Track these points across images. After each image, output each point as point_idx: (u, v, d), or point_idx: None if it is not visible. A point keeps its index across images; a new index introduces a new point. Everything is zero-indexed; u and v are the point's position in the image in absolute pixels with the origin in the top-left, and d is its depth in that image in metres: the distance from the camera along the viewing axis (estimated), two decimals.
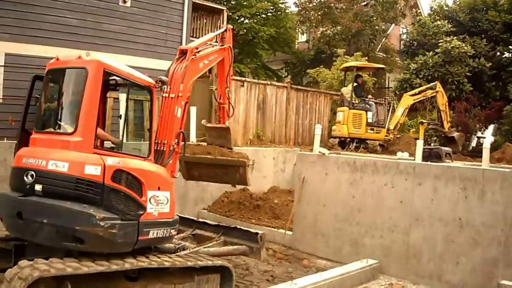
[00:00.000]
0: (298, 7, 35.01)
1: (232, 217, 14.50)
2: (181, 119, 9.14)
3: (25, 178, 7.54)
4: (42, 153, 7.69)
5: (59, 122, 8.17)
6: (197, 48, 9.83)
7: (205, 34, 22.54)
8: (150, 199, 8.05)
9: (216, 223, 11.29)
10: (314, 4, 33.86)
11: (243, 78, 22.39)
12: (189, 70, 9.33)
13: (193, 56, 9.57)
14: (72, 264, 6.98)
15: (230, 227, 10.89)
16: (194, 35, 22.09)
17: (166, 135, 8.78)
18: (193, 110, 16.87)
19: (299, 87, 24.82)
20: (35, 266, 6.74)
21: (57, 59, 8.41)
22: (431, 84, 22.27)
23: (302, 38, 40.47)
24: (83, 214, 7.23)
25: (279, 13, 32.35)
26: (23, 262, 6.92)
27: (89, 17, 17.80)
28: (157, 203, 8.22)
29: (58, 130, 8.08)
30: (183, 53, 9.52)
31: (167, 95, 8.89)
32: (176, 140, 8.98)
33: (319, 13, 33.82)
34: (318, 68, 28.40)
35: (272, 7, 31.49)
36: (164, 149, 8.73)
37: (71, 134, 7.69)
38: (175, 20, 19.77)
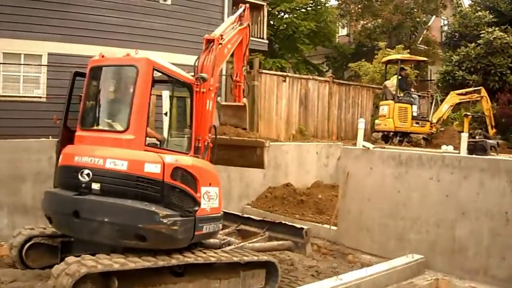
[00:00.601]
0: (338, 1, 34.92)
1: (276, 213, 14.47)
2: (212, 112, 9.13)
3: (79, 176, 7.58)
4: (96, 152, 7.72)
5: (108, 120, 8.31)
6: (221, 36, 9.67)
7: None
8: (203, 195, 8.15)
9: (261, 219, 11.28)
10: None
11: (285, 73, 22.40)
12: (217, 60, 9.30)
13: (220, 45, 9.44)
14: (119, 260, 7.06)
15: (275, 223, 10.84)
16: None
17: (201, 130, 8.75)
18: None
19: (341, 81, 24.81)
20: (82, 262, 6.84)
21: (102, 56, 8.44)
22: (476, 88, 21.97)
23: (343, 31, 40.30)
24: (146, 212, 7.32)
25: (319, 7, 32.15)
26: (70, 258, 7.01)
27: (129, 16, 18.03)
28: (209, 198, 8.30)
29: (107, 128, 8.17)
30: (209, 42, 9.33)
31: (198, 89, 8.78)
32: (209, 134, 8.99)
33: (359, 6, 33.68)
34: (359, 62, 28.28)
35: (312, 1, 31.39)
36: (199, 144, 8.74)
37: (123, 132, 7.78)
38: (215, 16, 19.86)
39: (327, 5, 33.12)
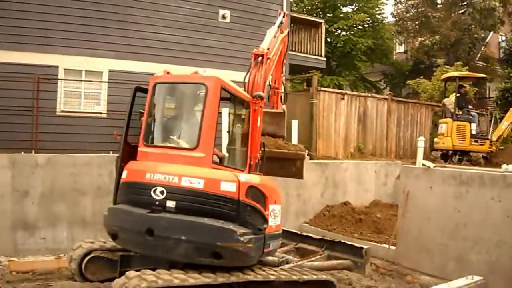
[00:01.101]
0: (395, 18, 34.69)
1: (334, 231, 14.44)
2: (261, 128, 9.13)
3: (152, 194, 7.62)
4: (170, 169, 7.75)
5: (175, 137, 8.37)
6: (269, 49, 9.70)
7: (304, 48, 22.79)
8: (270, 213, 8.25)
9: (320, 237, 11.26)
10: (411, 14, 33.49)
11: (344, 91, 22.40)
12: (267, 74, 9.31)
13: (268, 59, 9.44)
14: (179, 275, 7.13)
15: (334, 241, 10.80)
16: (293, 49, 22.20)
17: (253, 146, 8.80)
18: (294, 123, 16.99)
19: (400, 99, 24.64)
20: (143, 276, 6.93)
21: (167, 72, 8.50)
22: None
23: (400, 48, 39.91)
24: (225, 230, 7.39)
25: (376, 24, 31.97)
26: (131, 273, 7.12)
27: (188, 33, 18.24)
28: (274, 216, 8.40)
29: (175, 145, 8.23)
30: (258, 57, 9.38)
31: (254, 107, 8.81)
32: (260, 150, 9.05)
33: (417, 23, 33.40)
34: (417, 79, 27.96)
35: (369, 18, 31.20)
36: (251, 161, 8.78)
37: (192, 149, 7.86)
38: None
39: (384, 22, 32.91)
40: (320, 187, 16.29)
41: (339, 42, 29.34)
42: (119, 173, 8.51)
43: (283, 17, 11.44)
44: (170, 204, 7.52)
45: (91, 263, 8.99)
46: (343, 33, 30.61)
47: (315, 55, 23.38)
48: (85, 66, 16.67)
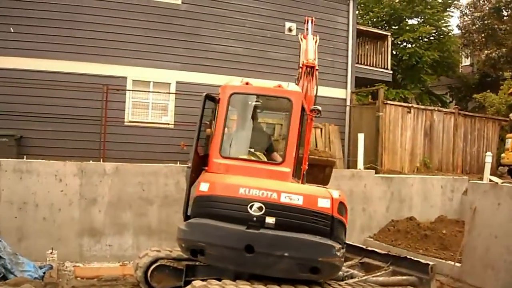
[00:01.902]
0: (461, 30, 34.11)
1: (399, 247, 14.26)
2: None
3: (249, 209, 7.50)
4: (267, 184, 7.69)
5: (257, 150, 8.42)
6: (315, 59, 9.72)
7: (370, 61, 22.63)
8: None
9: (385, 252, 11.11)
10: (477, 26, 32.78)
11: (410, 104, 22.15)
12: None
13: (317, 70, 9.45)
14: (244, 286, 7.13)
15: (399, 257, 10.60)
16: (359, 62, 22.09)
17: (305, 158, 8.89)
18: (360, 137, 16.90)
19: (466, 113, 24.16)
20: (209, 286, 6.97)
21: (246, 83, 8.38)
22: None
23: (466, 61, 39.22)
24: (325, 246, 7.43)
25: (441, 36, 31.52)
26: (197, 282, 7.18)
27: (254, 46, 18.37)
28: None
29: (256, 158, 8.27)
30: (308, 68, 9.37)
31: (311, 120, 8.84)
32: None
33: (483, 35, 32.71)
34: (484, 92, 27.42)
35: (434, 31, 30.79)
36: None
37: (279, 164, 7.93)
38: (340, 47, 19.95)
39: (450, 34, 32.42)
40: (386, 201, 16.12)
41: (405, 55, 29.04)
42: (190, 184, 8.47)
43: (311, 23, 11.56)
44: (270, 220, 7.45)
45: (156, 271, 9.07)
46: (409, 45, 30.26)
47: (381, 68, 23.18)
48: (153, 77, 16.97)
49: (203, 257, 7.87)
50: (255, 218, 7.46)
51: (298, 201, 7.48)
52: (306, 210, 7.47)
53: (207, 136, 8.77)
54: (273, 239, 7.33)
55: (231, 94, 8.31)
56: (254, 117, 8.91)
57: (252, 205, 7.50)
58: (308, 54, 9.87)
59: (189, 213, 8.27)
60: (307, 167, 9.15)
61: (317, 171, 11.12)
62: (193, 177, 8.46)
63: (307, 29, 11.35)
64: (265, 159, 8.36)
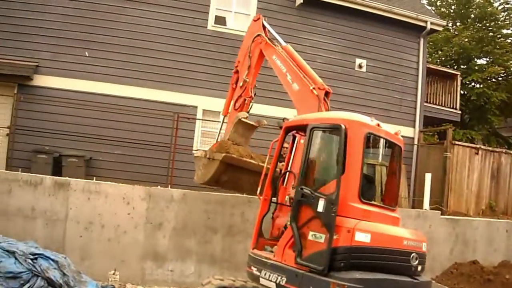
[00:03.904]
0: None
1: None
2: None
3: (411, 260, 7.65)
4: (414, 234, 8.04)
5: (383, 196, 8.52)
6: None
7: (438, 100, 22.43)
8: None
9: None
10: None
11: (478, 146, 21.75)
12: None
13: None
14: None
15: None
16: (428, 100, 21.91)
17: None
18: (428, 176, 16.70)
19: None
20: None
21: (378, 125, 8.04)
22: None
23: None
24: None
25: (510, 77, 31.03)
26: None
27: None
28: None
29: (383, 204, 8.22)
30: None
31: None
32: None
33: None
34: None
35: (503, 71, 30.34)
36: None
37: (394, 210, 8.15)
38: (409, 85, 19.81)
39: None
40: (450, 243, 15.85)
41: (473, 95, 28.64)
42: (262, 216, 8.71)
43: None
44: (419, 268, 7.74)
45: None
46: (477, 85, 29.86)
47: (449, 107, 22.91)
48: (220, 108, 17.14)
49: None
50: (413, 269, 7.64)
51: (424, 248, 7.86)
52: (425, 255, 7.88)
53: (280, 171, 8.85)
54: (427, 285, 7.88)
55: (366, 134, 7.80)
56: (391, 163, 8.71)
57: (413, 256, 7.64)
58: (317, 78, 10.11)
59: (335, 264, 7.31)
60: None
61: (248, 177, 11.08)
62: (264, 208, 8.57)
63: None
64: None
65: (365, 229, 7.26)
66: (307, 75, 10.30)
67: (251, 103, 12.07)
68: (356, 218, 7.38)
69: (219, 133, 12.91)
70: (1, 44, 16.16)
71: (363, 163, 7.71)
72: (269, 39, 11.54)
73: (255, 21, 12.11)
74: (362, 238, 7.21)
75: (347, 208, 7.41)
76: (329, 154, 8.09)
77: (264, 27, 11.83)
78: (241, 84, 11.91)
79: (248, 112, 11.91)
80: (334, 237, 7.13)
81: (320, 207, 7.37)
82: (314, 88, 9.76)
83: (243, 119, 11.51)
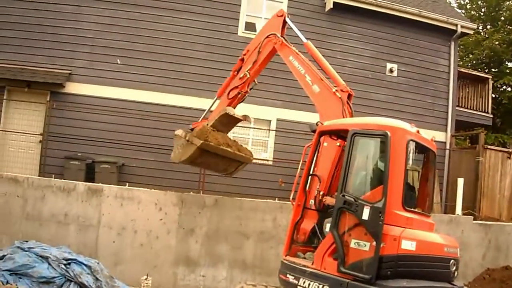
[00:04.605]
0: None
1: None
2: None
3: (450, 267, 7.89)
4: (452, 241, 8.23)
5: (423, 202, 8.49)
6: None
7: (470, 103, 22.24)
8: None
9: None
10: None
11: (510, 150, 21.51)
12: None
13: None
14: None
15: None
16: (459, 104, 21.72)
17: None
18: (460, 181, 16.59)
19: None
20: None
21: (417, 131, 8.15)
22: None
23: None
24: None
25: None
26: None
27: (355, 86, 18.10)
28: None
29: (422, 211, 8.21)
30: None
31: None
32: None
33: None
34: None
35: None
36: None
37: (429, 216, 8.26)
38: (441, 89, 19.62)
39: None
40: (482, 249, 15.70)
41: (505, 98, 28.38)
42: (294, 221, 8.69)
43: None
44: (455, 274, 7.96)
45: None
46: (509, 89, 29.59)
47: (480, 111, 22.67)
48: (255, 114, 17.15)
49: None
50: (451, 275, 7.85)
51: (459, 253, 8.03)
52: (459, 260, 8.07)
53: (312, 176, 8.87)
54: None
55: (409, 141, 7.86)
56: (426, 170, 8.80)
57: (452, 262, 7.83)
58: (340, 80, 10.09)
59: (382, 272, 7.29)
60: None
61: (232, 165, 12.06)
62: (297, 214, 8.58)
63: None
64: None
65: (411, 237, 7.28)
66: (329, 75, 10.35)
67: (244, 98, 12.18)
68: (400, 226, 7.36)
69: (207, 111, 13.07)
70: (36, 52, 16.37)
71: (406, 170, 7.68)
72: (285, 39, 11.45)
73: (278, 16, 11.95)
74: (408, 246, 7.23)
75: (392, 215, 7.37)
76: (372, 160, 8.04)
77: (284, 24, 11.76)
78: (241, 76, 11.86)
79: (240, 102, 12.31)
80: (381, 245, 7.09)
81: (366, 215, 7.34)
82: (336, 90, 9.72)
83: (229, 113, 11.65)
